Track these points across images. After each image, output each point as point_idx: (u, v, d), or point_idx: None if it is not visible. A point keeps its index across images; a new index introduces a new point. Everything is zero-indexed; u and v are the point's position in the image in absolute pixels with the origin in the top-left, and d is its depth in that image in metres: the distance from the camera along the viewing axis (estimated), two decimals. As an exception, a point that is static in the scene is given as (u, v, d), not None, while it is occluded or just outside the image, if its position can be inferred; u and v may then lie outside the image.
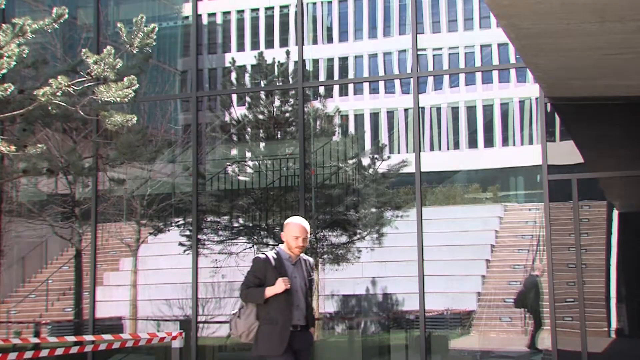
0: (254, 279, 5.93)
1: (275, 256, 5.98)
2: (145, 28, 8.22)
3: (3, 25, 7.99)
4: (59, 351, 9.51)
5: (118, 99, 7.94)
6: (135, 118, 8.45)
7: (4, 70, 7.61)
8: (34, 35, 8.04)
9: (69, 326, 13.46)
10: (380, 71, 14.75)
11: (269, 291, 5.83)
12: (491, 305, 13.09)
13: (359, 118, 14.24)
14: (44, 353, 9.38)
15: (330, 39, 14.36)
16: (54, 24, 8.13)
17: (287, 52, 12.81)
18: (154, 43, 8.51)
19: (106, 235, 13.27)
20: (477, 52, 14.20)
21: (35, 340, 11.29)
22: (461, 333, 12.74)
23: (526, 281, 11.63)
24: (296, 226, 6.00)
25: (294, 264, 6.05)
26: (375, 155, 12.95)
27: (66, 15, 8.13)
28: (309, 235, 6.07)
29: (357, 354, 12.36)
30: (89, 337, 10.19)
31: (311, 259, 6.25)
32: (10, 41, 7.62)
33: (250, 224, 13.00)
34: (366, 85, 14.15)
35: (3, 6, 8.81)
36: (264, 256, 5.97)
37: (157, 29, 8.43)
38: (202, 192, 12.57)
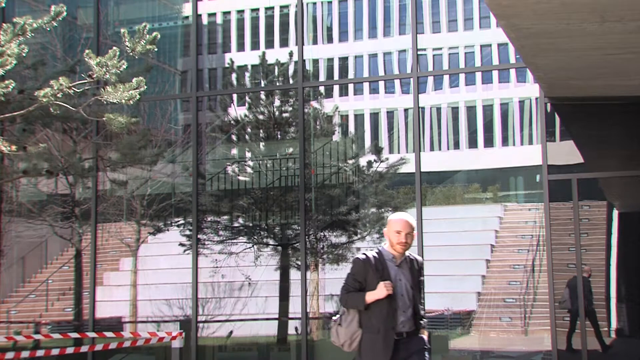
0: (354, 282, 5.38)
1: (376, 256, 5.40)
2: (147, 36, 8.23)
3: (4, 24, 7.99)
4: (55, 351, 9.50)
5: (124, 101, 7.95)
6: (139, 120, 8.47)
7: (8, 68, 7.60)
8: (33, 35, 8.04)
9: (69, 326, 13.46)
10: (380, 71, 14.75)
11: (370, 296, 5.27)
12: (491, 305, 13.09)
13: (359, 118, 14.23)
14: (40, 353, 9.38)
15: (330, 39, 14.36)
16: (52, 22, 8.12)
17: (289, 53, 12.81)
18: (156, 49, 8.52)
19: (106, 235, 13.27)
20: (477, 52, 14.20)
21: (38, 336, 11.29)
22: (461, 333, 12.75)
23: (570, 283, 11.06)
24: (398, 220, 5.41)
25: (398, 264, 5.43)
26: (375, 156, 12.95)
27: (64, 13, 8.12)
28: (414, 232, 5.48)
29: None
30: (90, 334, 10.20)
31: (420, 258, 5.63)
32: (10, 40, 7.63)
33: (250, 224, 13.01)
34: (366, 85, 14.15)
35: (4, 5, 8.82)
36: (363, 257, 5.39)
37: (159, 36, 8.43)
38: (202, 192, 12.57)
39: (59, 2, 8.33)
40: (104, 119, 8.36)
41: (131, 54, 8.27)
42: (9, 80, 7.77)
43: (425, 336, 5.47)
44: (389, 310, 5.28)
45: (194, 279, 11.67)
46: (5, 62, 7.49)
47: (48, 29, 8.37)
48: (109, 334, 10.16)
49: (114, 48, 8.05)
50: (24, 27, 7.77)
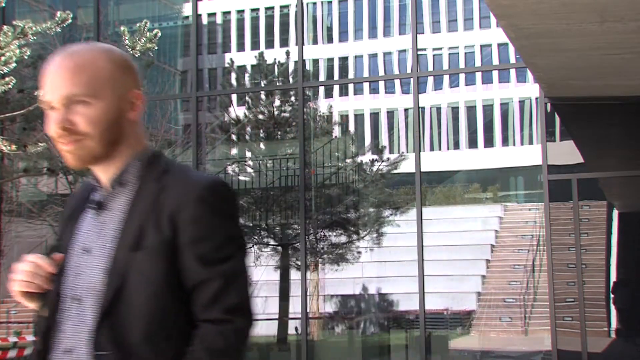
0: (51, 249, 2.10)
1: (82, 187, 1.90)
2: (148, 33, 8.23)
3: (4, 27, 8.00)
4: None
5: None
6: None
7: (11, 66, 7.60)
8: (35, 38, 8.04)
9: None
10: (380, 71, 14.76)
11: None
12: (491, 305, 13.09)
13: (359, 118, 14.25)
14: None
15: (330, 39, 14.37)
16: (56, 27, 8.12)
17: (287, 52, 12.82)
18: (156, 47, 8.51)
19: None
20: (477, 52, 14.21)
21: (32, 338, 11.31)
22: (461, 333, 12.75)
23: None
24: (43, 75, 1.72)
25: (98, 204, 1.75)
26: (375, 155, 12.96)
27: (70, 20, 8.11)
28: (102, 95, 1.70)
29: (357, 354, 12.36)
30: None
31: (198, 181, 1.68)
32: (10, 42, 7.63)
33: (250, 224, 13.01)
34: (366, 85, 14.17)
35: (4, 4, 8.82)
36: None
37: (159, 34, 8.42)
38: (202, 192, 12.57)
39: (59, 3, 8.33)
40: None
41: (131, 52, 8.26)
42: (10, 77, 7.76)
43: None
44: (41, 338, 1.73)
45: (194, 278, 11.66)
46: (10, 59, 7.48)
47: (52, 33, 8.36)
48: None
49: (113, 48, 8.03)
50: (25, 30, 7.77)
